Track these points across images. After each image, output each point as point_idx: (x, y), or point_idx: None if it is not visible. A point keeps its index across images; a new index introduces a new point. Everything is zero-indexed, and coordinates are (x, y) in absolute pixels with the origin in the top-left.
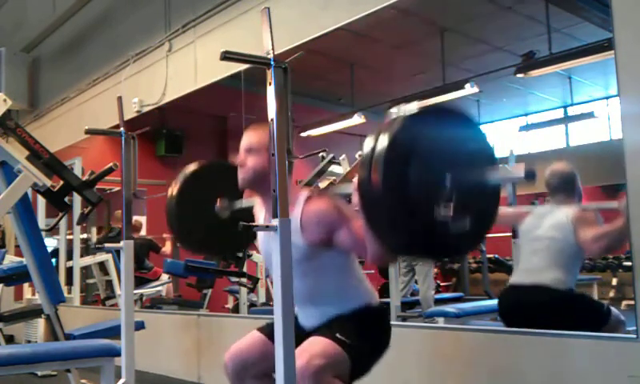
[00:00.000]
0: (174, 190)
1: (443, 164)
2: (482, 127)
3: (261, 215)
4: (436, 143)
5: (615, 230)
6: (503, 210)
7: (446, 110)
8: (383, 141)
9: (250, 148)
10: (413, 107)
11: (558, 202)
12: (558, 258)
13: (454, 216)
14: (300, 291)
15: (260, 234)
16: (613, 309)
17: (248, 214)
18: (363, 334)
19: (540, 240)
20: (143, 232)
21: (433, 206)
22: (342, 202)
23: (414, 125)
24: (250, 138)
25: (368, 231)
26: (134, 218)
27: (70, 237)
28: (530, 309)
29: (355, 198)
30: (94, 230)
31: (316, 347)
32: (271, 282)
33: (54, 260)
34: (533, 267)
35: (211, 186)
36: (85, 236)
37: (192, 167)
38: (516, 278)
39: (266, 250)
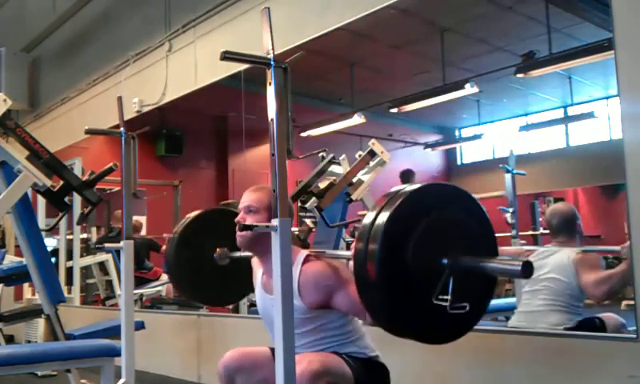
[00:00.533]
0: (175, 235)
1: (442, 245)
2: (482, 206)
3: (259, 276)
4: (436, 223)
5: (618, 274)
6: (505, 249)
7: (448, 187)
8: (383, 217)
9: (250, 208)
10: (415, 185)
11: (559, 242)
12: (558, 300)
13: (452, 299)
14: (301, 344)
15: (259, 297)
16: (607, 320)
17: (246, 263)
18: (367, 374)
19: (541, 282)
20: (143, 232)
21: (430, 288)
22: (339, 264)
23: (415, 202)
24: (249, 197)
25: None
26: (134, 218)
27: (70, 237)
28: None
29: (351, 272)
30: (93, 229)
31: (317, 356)
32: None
33: (53, 259)
34: (533, 310)
35: (211, 233)
36: (85, 236)
37: (193, 214)
38: (515, 321)
39: (265, 312)
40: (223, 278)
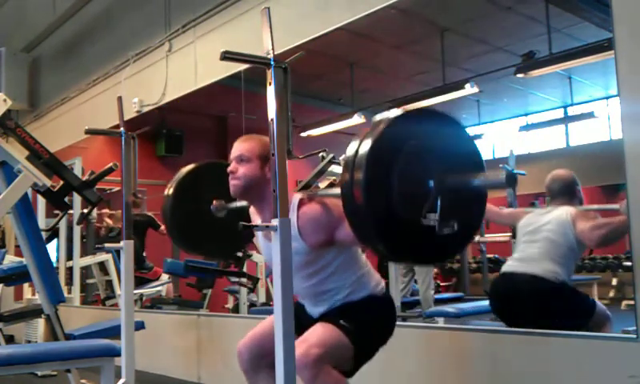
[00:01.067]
0: (169, 190)
1: (428, 168)
2: (466, 129)
3: (256, 220)
4: (420, 147)
5: (615, 222)
6: (503, 210)
7: (430, 112)
8: (366, 145)
9: (241, 157)
10: (396, 111)
11: (559, 205)
12: (553, 251)
13: (440, 219)
14: (306, 292)
15: (260, 239)
16: (598, 303)
17: (244, 213)
18: (367, 321)
19: (537, 233)
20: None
21: (418, 211)
22: (333, 200)
23: (397, 128)
24: (240, 147)
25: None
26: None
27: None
28: (518, 297)
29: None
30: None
31: (315, 336)
32: (271, 282)
33: (54, 245)
34: (526, 257)
35: (207, 187)
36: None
37: (187, 168)
38: (508, 267)
39: (267, 253)
40: (222, 230)
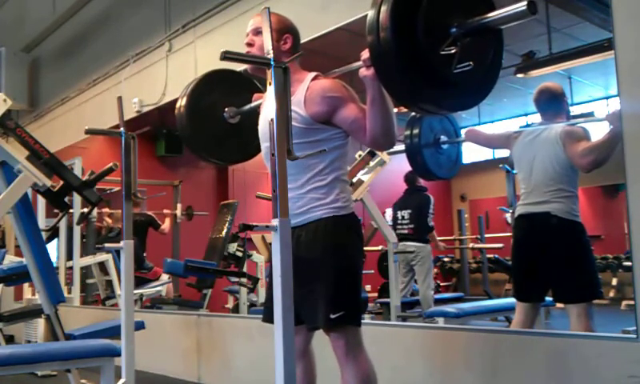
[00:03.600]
0: (182, 100)
1: (449, 15)
2: None
3: (266, 106)
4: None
5: (603, 142)
6: (492, 133)
7: None
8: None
9: (257, 29)
10: None
11: (547, 119)
12: (557, 184)
13: (459, 55)
14: (291, 170)
15: (262, 121)
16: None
17: (255, 114)
18: (343, 271)
19: (535, 161)
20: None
21: (438, 46)
22: (346, 85)
23: None
24: (257, 20)
25: (373, 100)
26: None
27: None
28: (543, 236)
29: (364, 71)
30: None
31: (341, 340)
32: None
33: (54, 245)
34: (536, 196)
35: (218, 94)
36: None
37: (200, 76)
38: (521, 210)
39: (265, 136)
40: (236, 133)
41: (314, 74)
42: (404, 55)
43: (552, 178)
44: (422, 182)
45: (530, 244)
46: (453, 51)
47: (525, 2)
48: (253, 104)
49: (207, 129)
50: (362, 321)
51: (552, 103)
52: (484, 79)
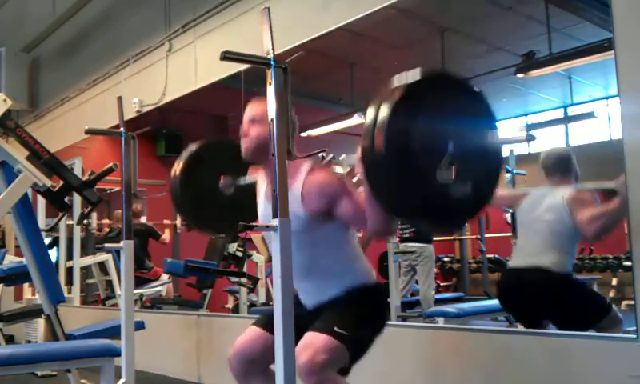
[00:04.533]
0: (177, 169)
1: (445, 129)
2: (483, 93)
3: (262, 187)
4: (438, 109)
5: (612, 210)
6: (501, 191)
7: (448, 76)
8: (385, 108)
9: (254, 119)
10: (415, 74)
11: (555, 183)
12: (555, 240)
13: (456, 180)
14: (298, 264)
15: (261, 208)
16: (614, 308)
17: (251, 188)
18: (361, 321)
19: (538, 222)
20: (143, 220)
21: (435, 169)
22: (342, 175)
23: (416, 92)
24: (253, 109)
25: (370, 199)
26: (134, 204)
27: (70, 222)
28: (530, 291)
29: (358, 169)
30: (94, 215)
31: (318, 342)
32: (271, 282)
33: (54, 253)
34: (531, 250)
35: (214, 164)
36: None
37: (194, 146)
38: (515, 262)
39: (265, 219)
40: (231, 207)
41: (309, 164)
42: (398, 176)
43: (551, 238)
44: None
45: (519, 295)
46: (450, 174)
47: (524, 133)
48: (249, 179)
49: (202, 202)
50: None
51: (559, 167)
52: (482, 192)
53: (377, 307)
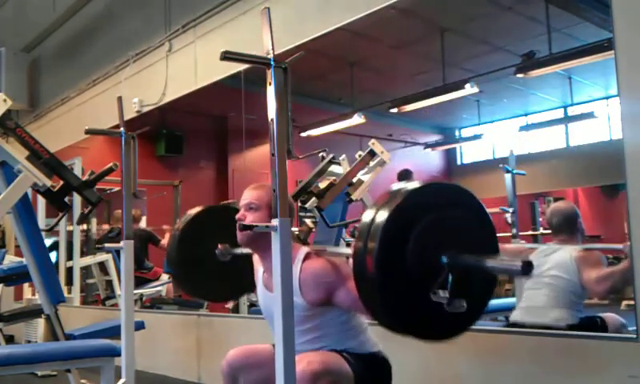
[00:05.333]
0: (176, 233)
1: (442, 243)
2: (483, 205)
3: (260, 271)
4: (436, 221)
5: (620, 271)
6: (506, 247)
7: (448, 186)
8: (381, 216)
9: (250, 205)
10: (415, 183)
11: (561, 241)
12: (560, 297)
13: (450, 297)
14: (303, 348)
15: (260, 295)
16: (608, 320)
17: (248, 258)
18: (367, 372)
19: (543, 278)
20: (143, 224)
21: (428, 286)
22: (339, 261)
23: (414, 201)
24: (250, 195)
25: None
26: (134, 209)
27: (70, 228)
28: None
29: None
30: (94, 221)
31: (317, 356)
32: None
33: (54, 256)
34: (535, 305)
35: (213, 230)
36: (84, 227)
37: (194, 211)
38: (517, 316)
39: (266, 309)
40: (225, 274)
41: (304, 251)
42: (390, 296)
43: (558, 295)
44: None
45: None
46: (443, 297)
47: (520, 263)
48: (245, 250)
49: (198, 268)
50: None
51: (565, 226)
52: (476, 306)
53: (382, 374)
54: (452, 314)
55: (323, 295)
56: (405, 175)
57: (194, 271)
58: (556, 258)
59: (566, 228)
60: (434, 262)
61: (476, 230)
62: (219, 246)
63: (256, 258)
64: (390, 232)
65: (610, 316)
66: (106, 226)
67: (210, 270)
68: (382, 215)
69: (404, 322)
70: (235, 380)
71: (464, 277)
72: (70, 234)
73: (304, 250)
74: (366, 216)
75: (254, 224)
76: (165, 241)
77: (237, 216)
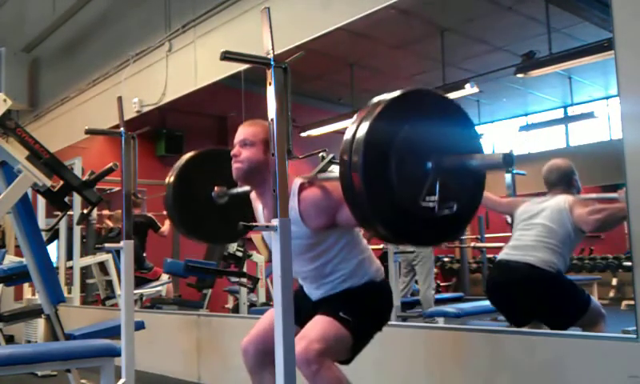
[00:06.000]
0: (171, 177)
1: (426, 150)
2: (463, 110)
3: (259, 208)
4: (418, 129)
5: (613, 208)
6: (501, 199)
7: (428, 93)
8: (363, 129)
9: (245, 141)
10: (394, 92)
11: (556, 194)
12: (549, 238)
13: (439, 201)
14: (307, 276)
15: (260, 218)
16: (593, 299)
17: (245, 199)
18: (366, 310)
19: (534, 220)
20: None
21: (417, 193)
22: (334, 184)
23: (395, 110)
24: (244, 131)
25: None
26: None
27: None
28: (513, 286)
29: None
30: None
31: (315, 331)
32: (271, 282)
33: (54, 253)
34: (521, 245)
35: (208, 173)
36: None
37: (188, 155)
38: (503, 255)
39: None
40: (224, 216)
41: (298, 182)
42: (380, 208)
43: (546, 236)
44: None
45: (506, 291)
46: (432, 202)
47: (501, 155)
48: (240, 189)
49: (194, 210)
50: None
51: (561, 180)
52: (467, 208)
53: (382, 302)
54: (443, 218)
55: (326, 218)
56: None
57: (192, 213)
58: (550, 205)
59: (562, 183)
60: (420, 168)
61: (459, 135)
62: (215, 188)
63: (254, 196)
64: (372, 143)
65: (595, 301)
66: (105, 211)
67: (208, 213)
68: (363, 128)
69: (396, 232)
70: (262, 364)
71: (451, 180)
72: (70, 230)
73: (297, 181)
74: (349, 131)
75: (254, 224)
76: (165, 228)
77: (232, 152)
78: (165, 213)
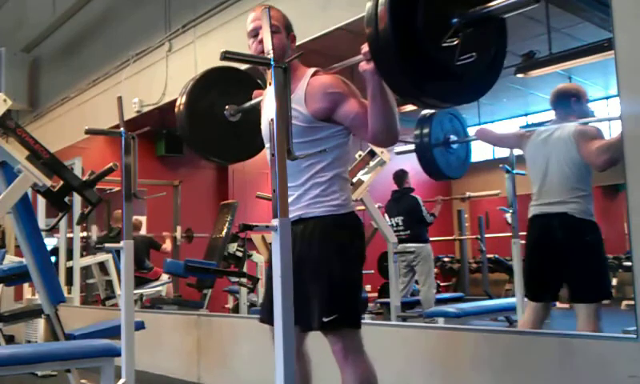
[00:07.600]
0: (181, 99)
1: (449, 7)
2: None
3: (267, 107)
4: None
5: (618, 141)
6: (504, 133)
7: None
8: None
9: (255, 33)
10: None
11: (559, 117)
12: (572, 184)
13: (462, 47)
14: (292, 168)
15: (264, 124)
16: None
17: (256, 110)
18: (343, 274)
19: (549, 163)
20: (143, 231)
21: (440, 38)
22: (347, 80)
23: None
24: (251, 23)
25: (373, 96)
26: (134, 217)
27: (70, 235)
28: (560, 236)
29: (364, 65)
30: (94, 228)
31: (338, 344)
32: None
33: (53, 258)
34: (553, 198)
35: (215, 91)
36: (85, 234)
37: (199, 75)
38: (539, 209)
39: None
40: (237, 133)
41: (313, 69)
42: (404, 48)
43: (567, 178)
44: (410, 181)
45: (546, 244)
46: (455, 43)
47: None
48: (253, 101)
49: (207, 128)
50: (362, 321)
51: (561, 102)
52: (487, 71)
53: (355, 238)
54: (464, 71)
55: (328, 106)
56: (400, 175)
57: (204, 129)
58: (554, 140)
59: (562, 103)
60: (444, 20)
61: None
62: (227, 106)
63: (264, 94)
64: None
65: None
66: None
67: (220, 131)
68: None
69: (418, 79)
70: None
71: (475, 33)
72: (70, 242)
73: (312, 69)
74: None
75: (255, 224)
76: (166, 245)
77: (252, 42)
78: (164, 234)
